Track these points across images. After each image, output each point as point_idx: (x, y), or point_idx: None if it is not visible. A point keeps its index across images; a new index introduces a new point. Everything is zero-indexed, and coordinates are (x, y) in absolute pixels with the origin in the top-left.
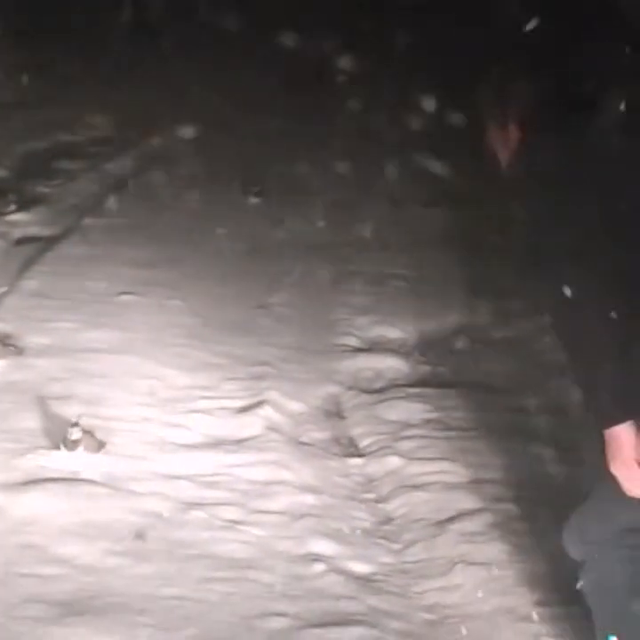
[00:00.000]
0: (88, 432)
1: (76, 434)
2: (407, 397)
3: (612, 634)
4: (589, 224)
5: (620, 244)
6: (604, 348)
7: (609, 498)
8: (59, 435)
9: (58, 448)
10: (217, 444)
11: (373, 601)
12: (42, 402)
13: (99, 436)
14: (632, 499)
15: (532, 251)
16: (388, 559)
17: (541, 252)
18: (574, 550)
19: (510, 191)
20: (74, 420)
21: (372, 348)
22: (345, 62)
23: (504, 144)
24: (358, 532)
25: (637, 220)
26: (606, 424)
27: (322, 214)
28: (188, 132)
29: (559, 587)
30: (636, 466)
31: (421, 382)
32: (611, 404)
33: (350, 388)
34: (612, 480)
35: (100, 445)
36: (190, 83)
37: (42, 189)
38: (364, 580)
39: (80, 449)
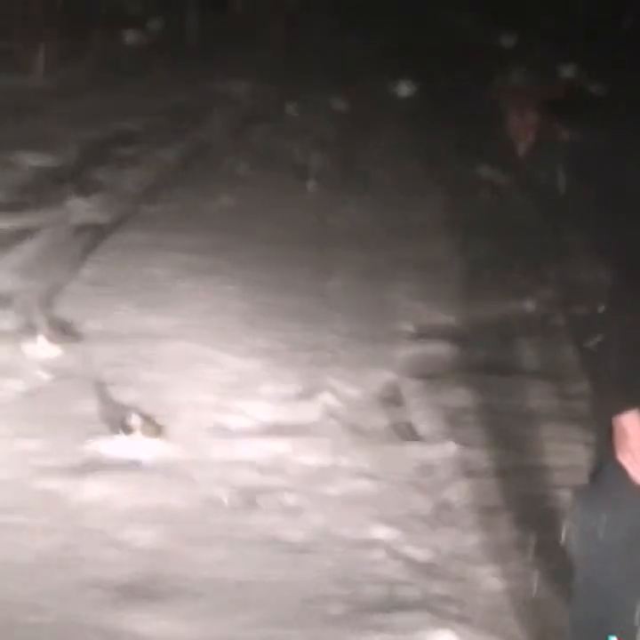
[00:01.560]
0: (146, 418)
1: (134, 420)
2: (464, 383)
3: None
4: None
5: None
6: (613, 337)
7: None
8: (117, 420)
9: (116, 434)
10: (274, 430)
11: (432, 587)
12: (100, 388)
13: (156, 421)
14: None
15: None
16: (446, 545)
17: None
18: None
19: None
20: (132, 405)
21: (429, 333)
22: None
23: (522, 132)
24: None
25: None
26: (613, 412)
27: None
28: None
29: None
30: None
31: (478, 368)
32: (617, 391)
33: (408, 374)
34: (620, 467)
35: (158, 431)
36: None
37: (99, 176)
38: (423, 566)
39: (138, 435)
